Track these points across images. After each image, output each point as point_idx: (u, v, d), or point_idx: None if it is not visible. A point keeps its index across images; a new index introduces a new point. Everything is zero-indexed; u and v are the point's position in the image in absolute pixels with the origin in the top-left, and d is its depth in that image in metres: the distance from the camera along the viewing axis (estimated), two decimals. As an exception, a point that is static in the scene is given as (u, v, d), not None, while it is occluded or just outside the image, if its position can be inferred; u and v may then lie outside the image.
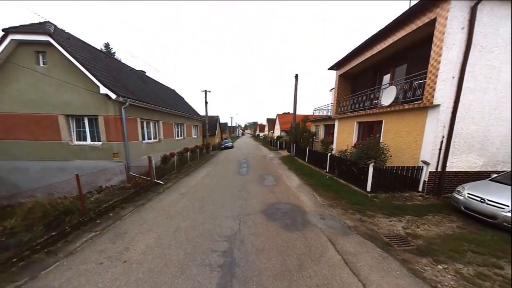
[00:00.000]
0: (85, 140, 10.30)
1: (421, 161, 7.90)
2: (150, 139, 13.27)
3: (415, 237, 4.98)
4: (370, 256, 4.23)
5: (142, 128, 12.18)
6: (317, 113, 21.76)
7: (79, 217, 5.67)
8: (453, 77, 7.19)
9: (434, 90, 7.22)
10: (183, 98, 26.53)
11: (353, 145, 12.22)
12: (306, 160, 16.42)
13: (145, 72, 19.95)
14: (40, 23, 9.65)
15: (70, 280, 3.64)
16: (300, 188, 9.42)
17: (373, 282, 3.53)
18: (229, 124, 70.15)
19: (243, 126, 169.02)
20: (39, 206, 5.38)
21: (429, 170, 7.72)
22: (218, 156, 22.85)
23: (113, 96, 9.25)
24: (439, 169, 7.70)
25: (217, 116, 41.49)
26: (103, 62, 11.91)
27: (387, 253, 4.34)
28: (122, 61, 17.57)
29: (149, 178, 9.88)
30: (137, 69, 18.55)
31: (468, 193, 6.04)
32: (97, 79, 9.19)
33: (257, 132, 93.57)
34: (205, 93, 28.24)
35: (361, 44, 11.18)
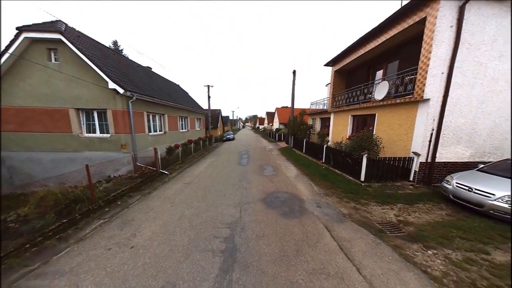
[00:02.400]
0: (94, 132, 10.16)
1: (412, 152, 7.79)
2: (156, 131, 13.11)
3: (406, 224, 4.91)
4: (364, 242, 4.17)
5: (148, 121, 12.01)
6: (313, 107, 21.51)
7: (88, 205, 5.59)
8: (442, 73, 7.10)
9: (424, 85, 7.12)
10: (187, 93, 26.16)
11: (347, 137, 12.09)
12: (304, 151, 16.30)
13: (151, 68, 19.53)
14: (51, 21, 9.43)
15: (81, 265, 3.59)
16: (297, 178, 9.32)
17: (366, 266, 3.47)
18: (231, 117, 69.85)
19: (243, 119, 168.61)
20: (51, 194, 5.30)
21: (420, 160, 7.61)
22: (220, 148, 22.68)
23: (121, 90, 9.09)
24: (429, 160, 7.61)
25: (219, 109, 41.20)
26: (111, 58, 11.66)
27: (380, 239, 4.27)
28: (130, 58, 17.17)
29: (155, 169, 9.78)
30: (144, 65, 18.17)
31: (457, 183, 5.96)
32: (105, 74, 9.02)
33: (257, 125, 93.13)
34: (208, 88, 27.93)
35: (355, 42, 10.94)
